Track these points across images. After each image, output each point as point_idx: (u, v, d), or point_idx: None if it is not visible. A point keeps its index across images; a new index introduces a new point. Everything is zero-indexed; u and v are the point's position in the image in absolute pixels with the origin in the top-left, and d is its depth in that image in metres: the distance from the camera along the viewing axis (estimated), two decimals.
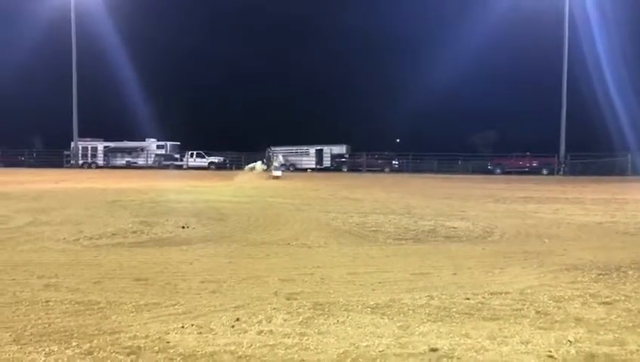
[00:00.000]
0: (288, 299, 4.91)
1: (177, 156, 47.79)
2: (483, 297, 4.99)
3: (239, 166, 42.58)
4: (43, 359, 3.50)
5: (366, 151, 44.41)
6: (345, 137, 46.53)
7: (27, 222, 10.08)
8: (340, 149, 46.16)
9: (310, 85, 54.81)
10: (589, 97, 38.14)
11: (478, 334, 3.98)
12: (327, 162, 45.52)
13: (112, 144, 49.22)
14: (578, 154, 38.51)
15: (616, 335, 4.01)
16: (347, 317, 4.41)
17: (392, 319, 4.35)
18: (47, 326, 4.11)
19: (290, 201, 14.86)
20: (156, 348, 3.67)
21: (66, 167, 45.99)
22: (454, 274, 5.99)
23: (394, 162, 44.33)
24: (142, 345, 3.72)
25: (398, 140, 53.57)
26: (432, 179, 30.79)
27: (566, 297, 5.03)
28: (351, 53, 55.46)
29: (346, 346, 3.74)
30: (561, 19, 39.70)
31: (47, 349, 3.64)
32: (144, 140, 48.78)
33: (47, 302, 4.75)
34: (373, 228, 9.67)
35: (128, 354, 3.57)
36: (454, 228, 9.80)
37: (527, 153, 40.65)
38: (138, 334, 3.94)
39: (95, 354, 3.58)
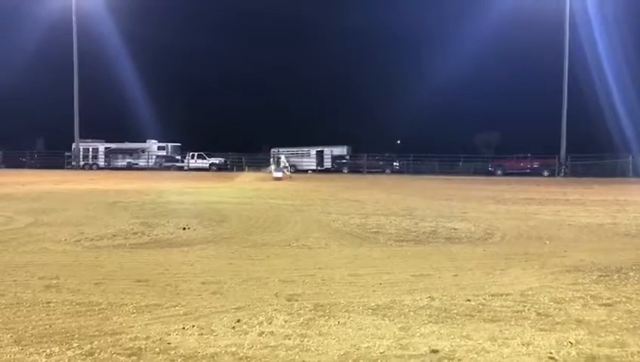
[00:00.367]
0: (289, 301, 4.91)
1: (178, 157, 47.82)
2: (484, 299, 4.99)
3: (240, 167, 42.63)
4: (44, 360, 3.51)
5: (367, 153, 44.39)
6: (346, 138, 46.60)
7: (28, 223, 10.09)
8: (340, 151, 46.15)
9: (311, 87, 54.97)
10: (590, 98, 38.16)
11: (479, 336, 3.98)
12: (327, 163, 45.52)
13: (113, 145, 49.29)
14: (579, 156, 38.47)
15: (618, 336, 4.00)
16: (348, 318, 4.40)
17: (393, 320, 4.35)
18: (48, 327, 4.11)
19: (290, 202, 14.87)
20: (157, 349, 3.68)
21: (67, 168, 46.05)
22: (455, 275, 5.99)
23: (395, 163, 44.31)
24: (143, 346, 3.73)
25: (398, 141, 53.70)
26: (432, 181, 30.77)
27: (567, 299, 5.03)
28: (352, 55, 55.61)
29: (346, 347, 3.74)
30: (562, 21, 39.68)
31: (48, 350, 3.64)
32: (145, 141, 48.87)
33: (48, 303, 4.75)
34: (374, 230, 9.67)
35: (129, 356, 3.58)
36: (455, 229, 9.79)
37: (528, 154, 40.61)
38: (139, 335, 3.94)
39: (96, 355, 3.58)
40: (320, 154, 45.83)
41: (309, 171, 43.66)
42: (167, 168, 45.14)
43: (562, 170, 38.66)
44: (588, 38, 38.92)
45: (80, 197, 16.30)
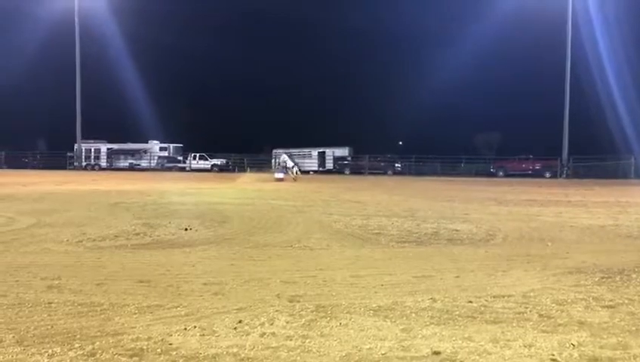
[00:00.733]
0: (291, 302, 4.91)
1: (180, 158, 47.87)
2: (486, 300, 4.98)
3: (242, 168, 42.63)
4: (46, 360, 3.51)
5: (368, 154, 44.37)
6: (347, 140, 46.58)
7: (30, 223, 10.11)
8: (342, 152, 46.14)
9: (313, 88, 54.97)
10: (592, 100, 38.09)
11: (481, 337, 3.97)
12: (329, 164, 45.52)
13: (115, 146, 49.34)
14: (581, 157, 38.36)
15: (620, 338, 3.99)
16: (350, 319, 4.40)
17: (395, 322, 4.35)
18: (50, 327, 4.12)
19: (292, 203, 14.87)
20: (159, 350, 3.68)
21: (70, 169, 46.14)
22: (457, 276, 5.98)
23: (396, 165, 44.27)
24: (144, 347, 3.73)
25: (400, 143, 53.64)
26: (434, 182, 30.75)
27: (569, 300, 5.02)
28: (353, 55, 55.57)
29: (348, 349, 3.74)
30: (564, 21, 39.63)
31: (49, 351, 3.64)
32: (147, 142, 48.92)
33: (50, 303, 4.76)
34: (376, 231, 9.66)
35: (131, 356, 3.58)
36: (457, 230, 9.78)
37: (530, 156, 40.55)
38: (141, 336, 3.95)
39: (98, 355, 3.58)
40: (322, 156, 45.83)
41: (311, 172, 43.65)
42: (169, 169, 45.21)
43: (564, 172, 38.59)
44: (590, 38, 38.87)
45: (82, 197, 16.32)
